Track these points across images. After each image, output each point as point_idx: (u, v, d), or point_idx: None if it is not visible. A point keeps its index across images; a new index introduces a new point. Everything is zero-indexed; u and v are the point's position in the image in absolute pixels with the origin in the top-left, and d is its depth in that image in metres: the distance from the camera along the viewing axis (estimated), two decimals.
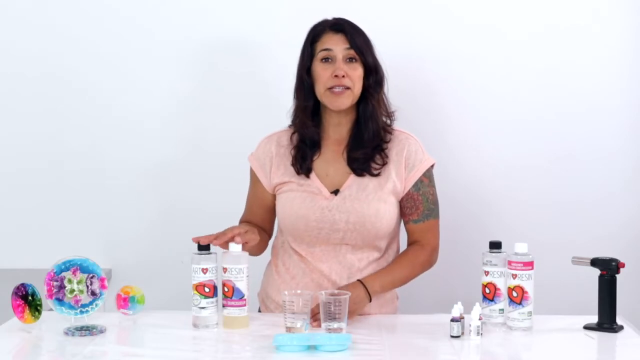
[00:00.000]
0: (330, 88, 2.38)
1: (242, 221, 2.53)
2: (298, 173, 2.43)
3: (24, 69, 3.06)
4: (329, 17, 2.46)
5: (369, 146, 2.41)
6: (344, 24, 2.42)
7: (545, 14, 3.01)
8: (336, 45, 2.39)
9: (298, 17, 2.54)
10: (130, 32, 3.05)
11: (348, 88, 2.38)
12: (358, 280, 2.36)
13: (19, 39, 3.05)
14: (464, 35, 3.02)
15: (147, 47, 3.05)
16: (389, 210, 2.40)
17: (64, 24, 3.04)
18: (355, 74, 2.39)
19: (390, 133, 2.46)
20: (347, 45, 2.39)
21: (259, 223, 2.52)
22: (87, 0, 3.05)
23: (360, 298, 2.32)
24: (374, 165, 2.41)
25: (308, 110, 2.44)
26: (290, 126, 2.50)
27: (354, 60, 2.39)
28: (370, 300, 2.35)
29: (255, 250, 2.45)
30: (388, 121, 2.47)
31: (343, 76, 2.37)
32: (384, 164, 2.41)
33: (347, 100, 2.39)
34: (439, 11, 3.02)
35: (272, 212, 2.52)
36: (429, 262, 2.48)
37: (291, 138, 2.48)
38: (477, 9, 3.02)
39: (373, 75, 2.41)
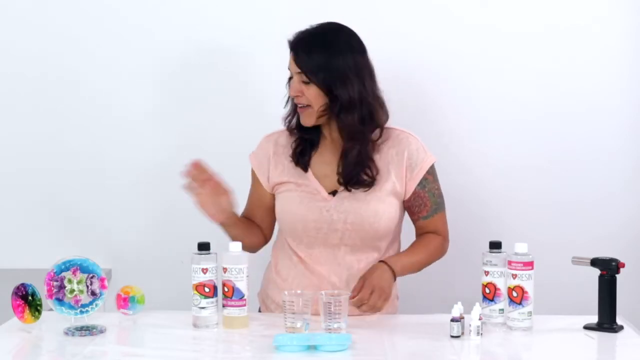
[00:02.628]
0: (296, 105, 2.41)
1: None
2: (296, 164, 2.43)
3: (24, 69, 3.06)
4: (323, 20, 2.44)
5: (352, 163, 2.38)
6: (298, 43, 2.38)
7: (545, 14, 3.01)
8: (291, 65, 2.39)
9: (297, 18, 2.53)
10: (130, 32, 3.05)
11: (308, 105, 2.38)
12: (380, 260, 2.36)
13: (19, 39, 3.05)
14: (463, 35, 3.02)
15: (147, 48, 3.06)
16: (387, 211, 2.40)
17: (64, 24, 3.05)
18: (310, 92, 2.36)
19: (374, 149, 2.40)
20: (297, 67, 2.37)
21: (258, 224, 2.53)
22: (87, 0, 3.05)
23: (389, 280, 2.32)
24: (363, 179, 2.38)
25: (292, 125, 2.46)
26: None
27: (306, 81, 2.37)
28: (395, 280, 2.35)
29: (249, 245, 2.43)
30: (373, 132, 2.41)
31: (297, 95, 2.38)
32: (373, 178, 2.38)
33: (311, 117, 2.39)
34: (438, 11, 3.02)
35: (270, 212, 2.51)
36: (443, 248, 2.50)
37: (291, 134, 2.48)
38: (477, 9, 3.02)
39: (336, 94, 2.34)
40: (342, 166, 2.40)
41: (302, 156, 2.44)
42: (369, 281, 2.30)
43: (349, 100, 2.35)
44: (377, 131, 2.41)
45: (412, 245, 2.49)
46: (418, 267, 2.46)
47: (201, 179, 2.34)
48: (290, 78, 2.43)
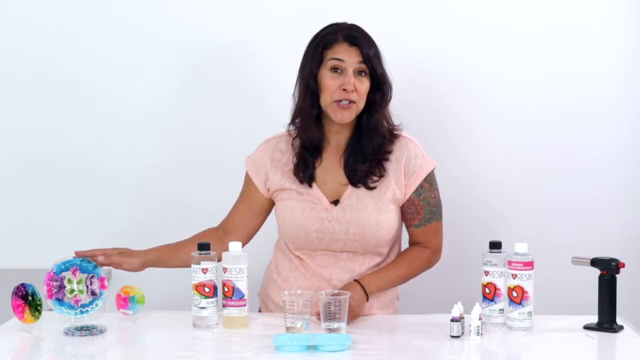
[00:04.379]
0: (337, 100, 2.34)
1: (224, 219, 2.52)
2: (301, 182, 2.41)
3: (24, 69, 3.06)
4: (326, 19, 2.42)
5: (370, 159, 2.38)
6: (360, 37, 2.35)
7: (545, 14, 3.01)
8: (349, 57, 2.33)
9: (297, 19, 2.55)
10: (130, 32, 3.05)
11: (354, 102, 2.34)
12: (355, 280, 2.36)
13: (19, 39, 3.05)
14: (463, 35, 3.02)
15: (147, 48, 3.06)
16: (389, 219, 2.39)
17: (63, 24, 3.05)
18: (363, 88, 2.34)
19: (393, 143, 2.41)
20: (360, 59, 2.33)
21: (236, 223, 2.50)
22: (87, 0, 3.05)
23: (359, 299, 2.31)
24: (372, 178, 2.38)
25: (313, 117, 2.39)
26: (289, 131, 2.47)
27: (363, 73, 2.35)
28: (368, 300, 2.35)
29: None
30: (392, 128, 2.43)
31: (352, 91, 2.33)
32: (381, 176, 2.39)
33: (352, 114, 2.35)
34: (438, 11, 3.02)
35: (256, 215, 2.50)
36: (429, 262, 2.48)
37: (292, 144, 2.45)
38: (478, 9, 3.02)
39: (380, 89, 2.37)
40: (354, 160, 2.38)
41: (306, 169, 2.41)
42: None
43: (386, 96, 2.38)
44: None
45: (397, 259, 2.45)
46: (399, 282, 2.44)
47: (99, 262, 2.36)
48: (313, 75, 2.37)
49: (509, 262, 2.21)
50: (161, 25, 3.05)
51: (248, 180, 2.51)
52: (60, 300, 2.22)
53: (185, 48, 3.06)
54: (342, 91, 2.33)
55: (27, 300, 2.22)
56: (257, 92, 3.04)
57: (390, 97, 2.41)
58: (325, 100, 2.35)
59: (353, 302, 2.26)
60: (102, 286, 2.26)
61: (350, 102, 2.33)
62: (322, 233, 2.38)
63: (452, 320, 2.13)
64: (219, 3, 3.04)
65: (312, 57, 2.38)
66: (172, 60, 3.06)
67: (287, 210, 2.42)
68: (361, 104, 2.36)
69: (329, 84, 2.34)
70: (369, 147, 2.38)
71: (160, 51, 3.06)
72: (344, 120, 2.36)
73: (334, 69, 2.35)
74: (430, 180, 2.43)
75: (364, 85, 2.35)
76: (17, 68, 3.07)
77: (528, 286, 2.19)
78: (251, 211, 2.50)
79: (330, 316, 2.15)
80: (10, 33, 3.05)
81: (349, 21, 2.42)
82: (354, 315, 2.27)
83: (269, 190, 2.47)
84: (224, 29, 3.04)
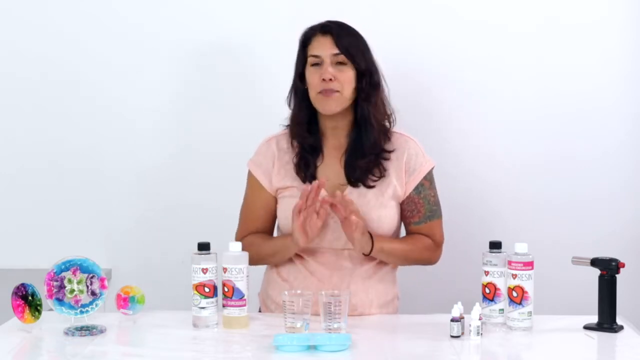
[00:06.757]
0: (320, 92, 2.37)
1: (241, 232, 2.51)
2: (304, 182, 2.41)
3: (24, 69, 3.06)
4: (328, 18, 2.44)
5: (368, 155, 2.39)
6: (333, 26, 2.40)
7: (544, 13, 3.01)
8: (324, 49, 2.37)
9: (296, 20, 2.54)
10: (130, 32, 3.05)
11: (337, 91, 2.36)
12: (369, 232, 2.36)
13: (19, 39, 3.05)
14: (463, 35, 3.02)
15: (147, 48, 3.05)
16: (390, 215, 2.40)
17: (63, 24, 3.04)
18: (344, 77, 2.36)
19: (390, 139, 2.44)
20: (335, 50, 2.37)
21: (265, 229, 2.51)
22: (87, 0, 3.05)
23: (364, 242, 2.32)
24: (371, 177, 2.39)
25: (302, 120, 2.42)
26: (287, 127, 2.49)
27: (343, 63, 2.37)
28: (366, 254, 2.35)
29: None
30: (387, 124, 2.45)
31: (330, 79, 2.35)
32: (381, 176, 2.40)
33: (337, 103, 2.37)
34: (438, 11, 3.02)
35: (274, 216, 2.51)
36: (431, 252, 2.48)
37: (292, 143, 2.46)
38: (478, 8, 3.02)
39: (367, 79, 2.39)
40: (353, 157, 2.39)
41: (307, 169, 2.42)
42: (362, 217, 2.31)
43: (376, 88, 2.39)
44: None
45: (402, 237, 2.49)
46: (399, 256, 2.43)
47: (314, 208, 2.30)
48: (301, 75, 2.41)
49: (509, 262, 2.21)
50: (161, 25, 3.05)
51: (257, 186, 2.49)
52: (60, 300, 2.22)
53: (185, 48, 3.05)
54: (322, 82, 2.36)
55: (27, 300, 2.22)
56: (258, 92, 3.04)
57: (381, 87, 2.42)
58: (312, 95, 2.39)
59: (365, 233, 2.31)
60: (102, 286, 2.26)
61: (332, 90, 2.35)
62: (324, 230, 2.38)
63: (452, 320, 2.13)
64: (219, 3, 3.04)
65: (298, 58, 2.44)
66: (172, 61, 3.06)
67: (289, 207, 2.41)
68: (346, 93, 2.37)
69: (311, 78, 2.39)
70: (367, 142, 2.40)
71: (160, 51, 3.06)
72: (329, 110, 2.38)
73: (314, 64, 2.39)
74: (430, 179, 2.44)
75: (346, 73, 2.37)
76: (17, 68, 3.07)
77: (528, 286, 2.19)
78: (270, 214, 2.49)
79: (330, 316, 2.15)
80: (10, 33, 3.05)
81: (348, 21, 2.43)
82: (359, 230, 2.28)
83: (272, 187, 2.47)
84: (224, 29, 3.04)
